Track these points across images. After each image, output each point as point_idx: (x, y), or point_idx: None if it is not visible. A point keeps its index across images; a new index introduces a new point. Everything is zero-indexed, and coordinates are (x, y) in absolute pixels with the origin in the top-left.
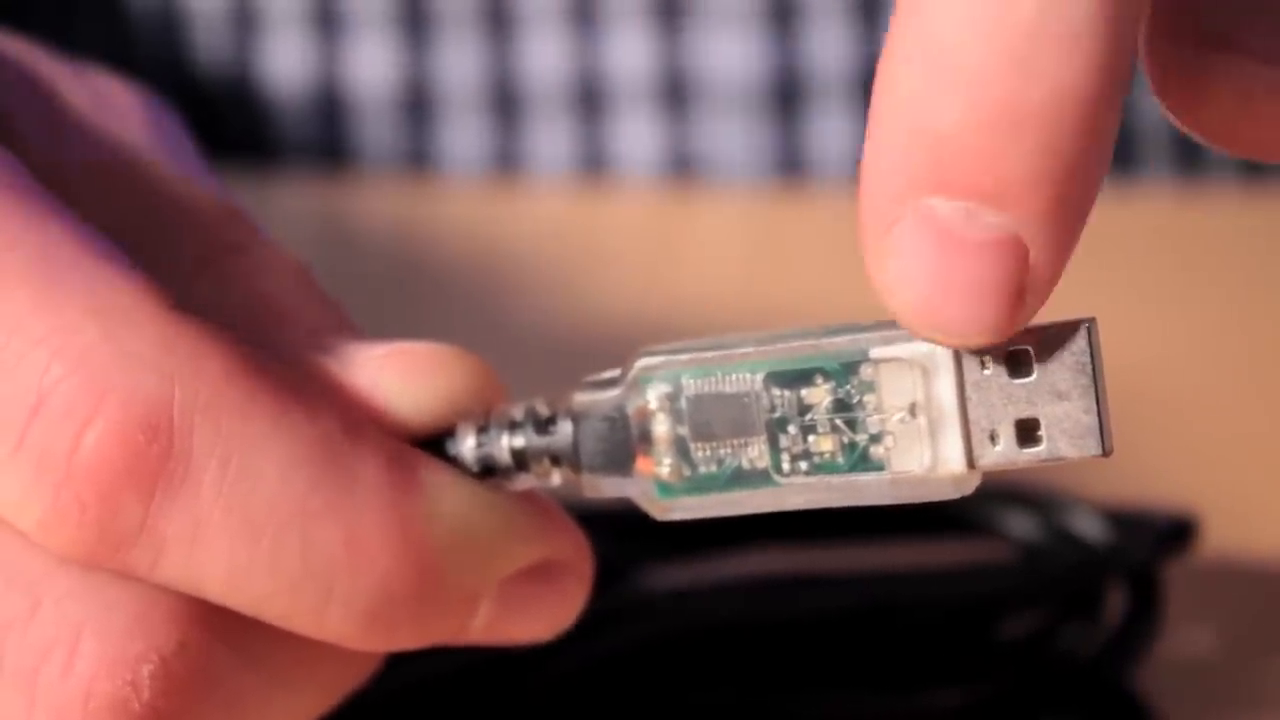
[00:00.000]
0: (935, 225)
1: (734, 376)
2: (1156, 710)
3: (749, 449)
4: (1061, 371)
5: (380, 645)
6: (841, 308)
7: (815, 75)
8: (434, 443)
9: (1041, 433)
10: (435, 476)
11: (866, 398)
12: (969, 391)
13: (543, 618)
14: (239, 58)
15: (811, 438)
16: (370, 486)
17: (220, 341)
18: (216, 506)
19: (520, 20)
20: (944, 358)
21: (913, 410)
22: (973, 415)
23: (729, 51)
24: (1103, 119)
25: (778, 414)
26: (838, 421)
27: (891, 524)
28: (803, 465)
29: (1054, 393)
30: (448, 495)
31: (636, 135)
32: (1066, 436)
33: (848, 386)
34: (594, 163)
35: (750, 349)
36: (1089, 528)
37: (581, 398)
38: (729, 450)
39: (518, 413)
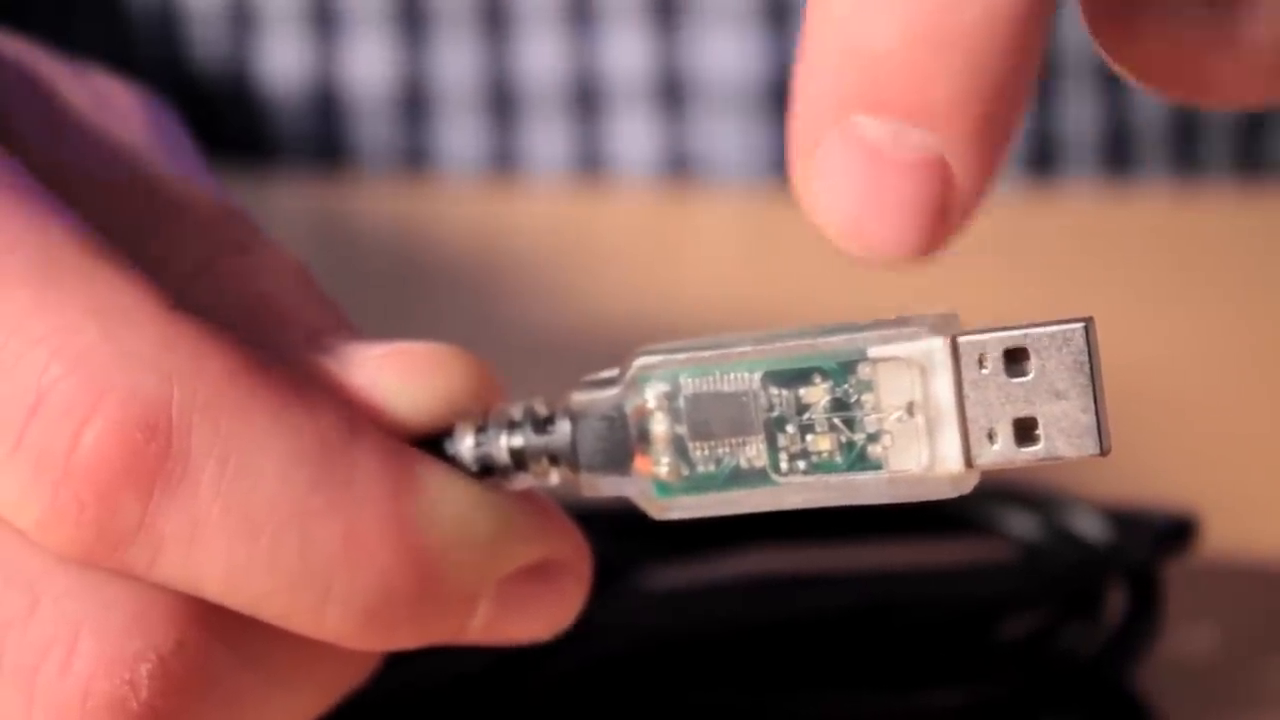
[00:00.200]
0: (863, 145)
1: (732, 376)
2: (1156, 710)
3: (747, 448)
4: (1059, 371)
5: (379, 645)
6: (839, 307)
7: None
8: (432, 442)
9: (1039, 432)
10: (434, 476)
11: (864, 397)
12: (967, 390)
13: (541, 617)
14: (237, 57)
15: (809, 437)
16: (369, 486)
17: (219, 341)
18: (215, 505)
19: (517, 20)
20: (942, 356)
21: (910, 409)
22: (970, 414)
23: (726, 51)
24: (1030, 38)
25: (776, 413)
26: (835, 420)
27: (891, 524)
28: (801, 464)
29: (1052, 392)
30: (446, 495)
31: (634, 135)
32: (1064, 436)
33: (845, 385)
34: (591, 162)
35: (748, 348)
36: (1089, 527)
37: (580, 397)
38: (727, 449)
39: (516, 412)
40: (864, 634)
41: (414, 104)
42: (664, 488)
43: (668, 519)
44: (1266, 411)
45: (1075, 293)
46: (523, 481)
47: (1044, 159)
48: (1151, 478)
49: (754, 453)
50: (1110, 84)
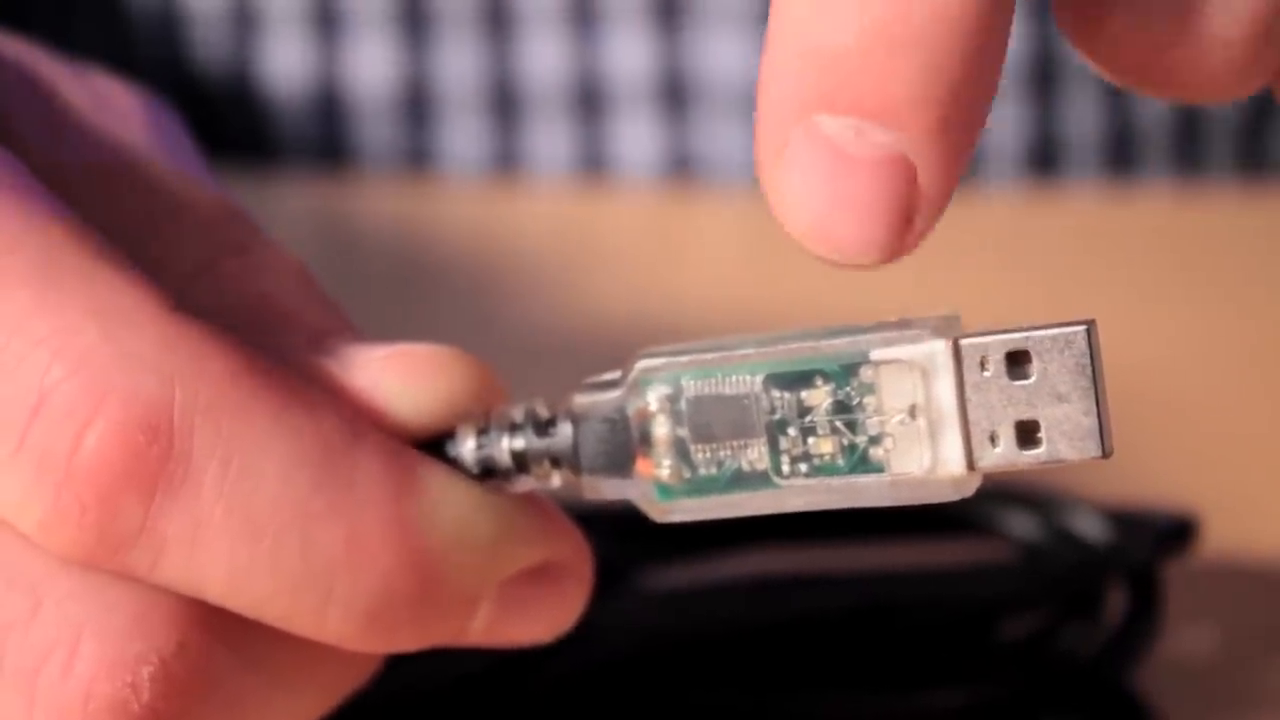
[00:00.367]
0: (826, 144)
1: (734, 378)
2: (1156, 710)
3: (749, 451)
4: (1061, 373)
5: (380, 646)
6: (840, 309)
7: None
8: (434, 444)
9: (1041, 434)
10: (435, 478)
11: (866, 399)
12: (969, 393)
13: (542, 619)
14: (239, 57)
15: (811, 440)
16: (370, 488)
17: (221, 342)
18: (217, 507)
19: (520, 21)
20: (944, 359)
21: (912, 412)
22: (973, 417)
23: (728, 52)
24: (986, 41)
25: (778, 416)
26: (838, 423)
27: (891, 524)
28: (802, 467)
29: (1054, 394)
30: (448, 497)
31: (636, 136)
32: (1066, 438)
33: (848, 388)
34: (593, 163)
35: (750, 351)
36: (1089, 528)
37: (581, 399)
38: (729, 452)
39: (518, 414)
40: (864, 634)
41: (416, 105)
42: (666, 490)
43: (669, 521)
44: (1267, 411)
45: (1078, 293)
46: (524, 484)
47: (1047, 160)
48: (1151, 478)
49: (756, 455)
50: (1112, 85)
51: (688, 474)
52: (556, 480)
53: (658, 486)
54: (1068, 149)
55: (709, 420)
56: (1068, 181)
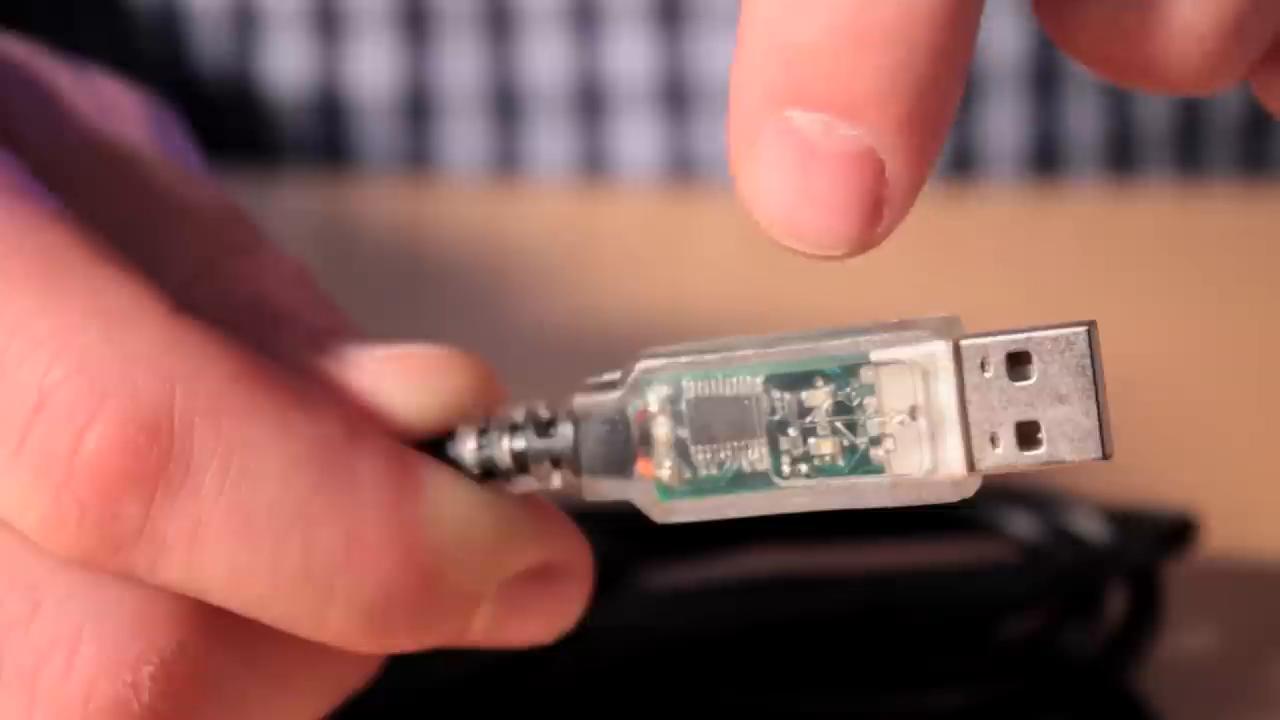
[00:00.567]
0: (794, 137)
1: (734, 379)
2: (1156, 710)
3: (749, 451)
4: (1062, 374)
5: (380, 647)
6: (841, 309)
7: None
8: (434, 445)
9: (1042, 435)
10: (436, 479)
11: (867, 400)
12: (969, 394)
13: (543, 620)
14: (239, 58)
15: (812, 440)
16: (371, 488)
17: (221, 343)
18: (217, 508)
19: (521, 22)
20: (945, 360)
21: (913, 413)
22: (973, 418)
23: (728, 53)
24: (951, 36)
25: (778, 416)
26: (838, 424)
27: (892, 524)
28: (803, 468)
29: (1054, 395)
30: (448, 497)
31: (637, 137)
32: (1067, 439)
33: (848, 389)
34: (594, 164)
35: (751, 351)
36: (1090, 527)
37: (582, 400)
38: (729, 453)
39: (518, 415)
40: (865, 634)
41: (418, 106)
42: (666, 491)
43: (670, 522)
44: (1267, 411)
45: (1079, 293)
46: (525, 484)
47: (1047, 160)
48: (1151, 478)
49: (756, 456)
50: (1113, 85)
51: (688, 475)
52: (557, 481)
53: (658, 487)
54: (1068, 149)
55: (709, 421)
56: (1068, 181)
